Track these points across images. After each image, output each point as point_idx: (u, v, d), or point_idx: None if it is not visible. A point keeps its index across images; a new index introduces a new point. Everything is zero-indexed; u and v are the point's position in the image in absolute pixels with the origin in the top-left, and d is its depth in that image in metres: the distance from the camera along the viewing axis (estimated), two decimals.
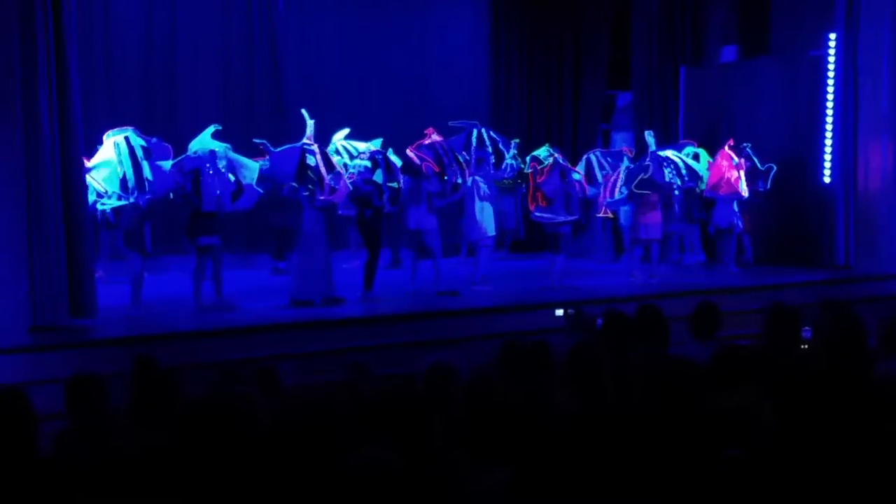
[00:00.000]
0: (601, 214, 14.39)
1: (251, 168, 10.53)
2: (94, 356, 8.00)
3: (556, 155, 12.39)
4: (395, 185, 11.30)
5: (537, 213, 12.27)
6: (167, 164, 10.12)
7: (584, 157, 13.36)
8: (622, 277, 13.22)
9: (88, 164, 9.97)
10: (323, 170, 10.58)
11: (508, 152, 13.22)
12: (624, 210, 14.37)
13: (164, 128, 12.79)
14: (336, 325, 9.68)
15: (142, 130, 10.45)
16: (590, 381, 4.90)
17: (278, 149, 10.81)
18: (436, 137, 12.02)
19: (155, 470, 3.91)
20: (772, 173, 14.08)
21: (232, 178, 10.36)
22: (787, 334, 6.16)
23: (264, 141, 10.88)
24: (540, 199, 12.07)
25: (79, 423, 5.16)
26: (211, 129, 10.52)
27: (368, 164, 11.40)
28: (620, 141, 18.11)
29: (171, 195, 10.45)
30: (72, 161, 9.13)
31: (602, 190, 13.56)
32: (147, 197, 10.01)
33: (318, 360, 8.40)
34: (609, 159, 14.18)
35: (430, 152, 11.65)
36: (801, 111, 14.79)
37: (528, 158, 13.60)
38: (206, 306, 10.32)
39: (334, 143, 12.46)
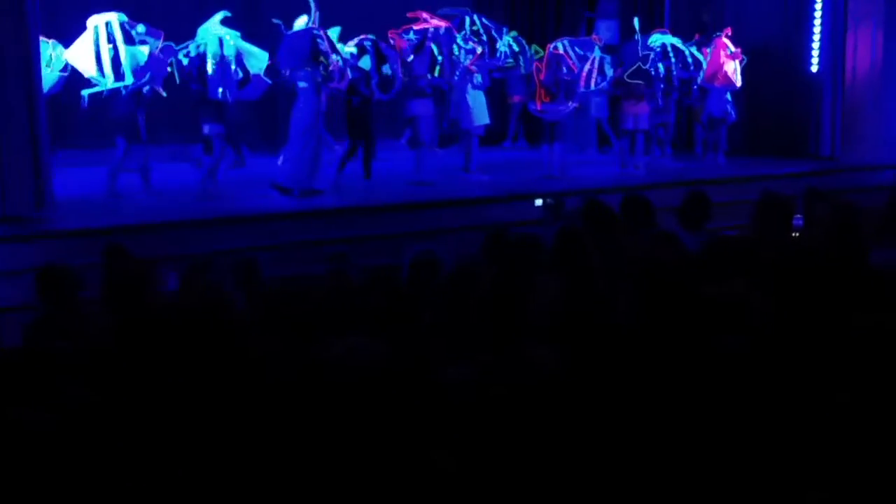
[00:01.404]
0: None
1: (259, 57, 10.30)
2: (66, 247, 7.79)
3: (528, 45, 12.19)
4: (387, 72, 11.03)
5: (542, 109, 12.13)
6: (142, 52, 9.83)
7: (551, 45, 13.04)
8: (605, 168, 13.08)
9: (66, 51, 9.85)
10: (331, 56, 10.35)
11: (501, 38, 12.92)
12: (596, 102, 14.14)
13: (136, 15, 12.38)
14: (317, 216, 9.49)
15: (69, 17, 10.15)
16: (576, 268, 4.75)
17: (287, 33, 10.49)
18: (435, 22, 11.70)
19: (127, 358, 3.78)
20: (743, 63, 13.77)
21: (234, 68, 10.13)
22: (777, 224, 6.03)
23: (280, 21, 10.54)
24: (543, 96, 11.91)
25: (49, 314, 5.01)
26: (220, 15, 10.31)
27: (354, 50, 11.15)
28: (605, 29, 17.74)
29: (178, 81, 10.31)
30: (30, 41, 8.76)
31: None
32: (125, 83, 9.77)
33: (298, 251, 8.22)
34: (577, 48, 13.81)
35: (419, 36, 11.37)
36: None
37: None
38: (200, 194, 10.23)
39: None
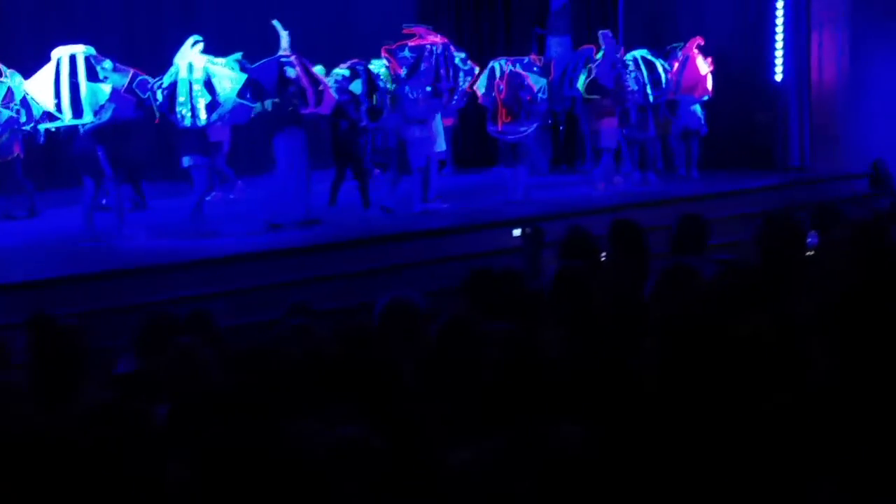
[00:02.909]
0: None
1: (234, 81, 9.74)
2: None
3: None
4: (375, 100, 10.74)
5: (502, 130, 11.57)
6: (103, 90, 9.37)
7: (489, 65, 12.50)
8: (568, 189, 12.51)
9: (26, 81, 9.60)
10: (304, 81, 9.91)
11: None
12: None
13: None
14: (272, 256, 8.73)
15: (33, 47, 9.48)
16: (583, 319, 4.06)
17: (254, 64, 10.08)
18: (432, 38, 11.13)
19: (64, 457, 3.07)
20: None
21: (201, 92, 9.60)
22: (789, 250, 5.42)
23: (239, 57, 9.99)
24: (504, 116, 11.32)
25: None
26: (191, 40, 9.79)
27: (347, 72, 10.82)
28: (556, 45, 17.25)
29: (158, 117, 9.90)
30: None
31: None
32: (82, 121, 9.31)
33: (253, 297, 7.49)
34: (514, 67, 13.27)
35: (415, 53, 10.77)
36: (749, 4, 13.95)
37: None
38: (203, 232, 9.67)
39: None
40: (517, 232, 6.37)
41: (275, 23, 10.19)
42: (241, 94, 9.69)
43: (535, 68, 12.60)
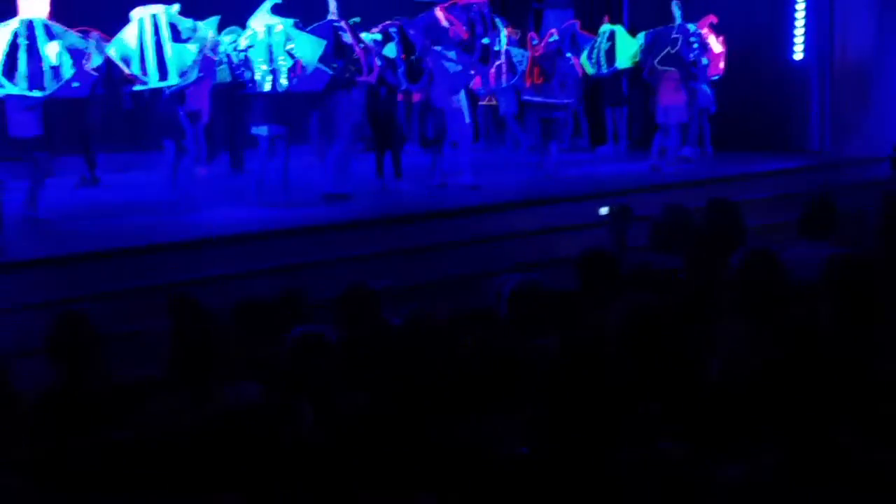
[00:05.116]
0: (484, 102, 13.82)
1: (314, 45, 9.25)
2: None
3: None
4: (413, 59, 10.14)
5: (531, 93, 11.15)
6: (190, 51, 8.83)
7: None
8: (589, 167, 12.11)
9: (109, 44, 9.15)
10: (356, 48, 9.46)
11: None
12: (505, 98, 13.49)
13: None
14: (321, 231, 8.18)
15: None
16: (776, 304, 3.66)
17: (307, 29, 9.54)
18: None
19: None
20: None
21: (283, 57, 9.11)
22: None
23: (297, 20, 9.48)
24: (536, 75, 10.81)
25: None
26: (269, 2, 9.30)
27: (379, 37, 10.29)
28: (555, 20, 16.82)
29: (231, 79, 9.58)
30: None
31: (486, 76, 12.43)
32: (169, 83, 8.83)
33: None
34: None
35: (463, 15, 10.24)
36: None
37: None
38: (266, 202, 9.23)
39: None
40: (604, 210, 5.98)
41: None
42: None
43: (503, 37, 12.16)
